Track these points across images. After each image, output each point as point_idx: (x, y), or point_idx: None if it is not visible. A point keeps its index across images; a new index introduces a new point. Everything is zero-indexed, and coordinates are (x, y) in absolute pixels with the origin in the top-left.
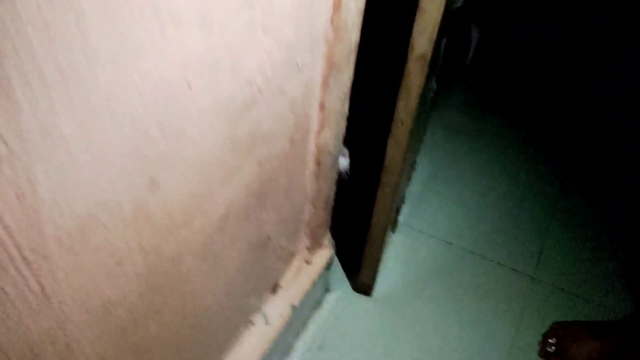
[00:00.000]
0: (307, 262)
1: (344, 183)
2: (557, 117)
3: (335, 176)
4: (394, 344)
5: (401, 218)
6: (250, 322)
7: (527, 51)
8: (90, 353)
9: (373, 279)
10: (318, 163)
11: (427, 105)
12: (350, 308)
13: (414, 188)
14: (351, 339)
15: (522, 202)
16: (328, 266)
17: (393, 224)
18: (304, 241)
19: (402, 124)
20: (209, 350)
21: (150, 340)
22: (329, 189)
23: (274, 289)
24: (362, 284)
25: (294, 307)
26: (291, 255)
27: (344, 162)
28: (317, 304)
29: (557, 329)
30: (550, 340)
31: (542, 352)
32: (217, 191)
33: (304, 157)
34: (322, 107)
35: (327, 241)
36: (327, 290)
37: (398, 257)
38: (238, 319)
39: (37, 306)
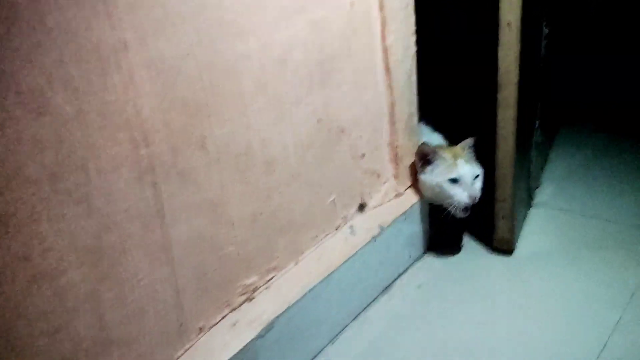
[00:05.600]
0: (398, 194)
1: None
2: None
3: (412, 98)
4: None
5: (537, 198)
6: (336, 228)
7: None
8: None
9: (512, 232)
10: (387, 69)
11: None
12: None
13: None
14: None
15: None
16: (422, 209)
17: (528, 200)
18: (389, 166)
19: (508, 25)
20: (297, 239)
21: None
22: (405, 108)
23: (361, 207)
24: (501, 240)
25: (381, 227)
26: (377, 175)
27: (472, 171)
28: (415, 248)
29: None
30: None
31: None
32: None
33: (371, 55)
34: (381, 7)
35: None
36: (430, 243)
37: (533, 230)
38: (322, 218)
39: None
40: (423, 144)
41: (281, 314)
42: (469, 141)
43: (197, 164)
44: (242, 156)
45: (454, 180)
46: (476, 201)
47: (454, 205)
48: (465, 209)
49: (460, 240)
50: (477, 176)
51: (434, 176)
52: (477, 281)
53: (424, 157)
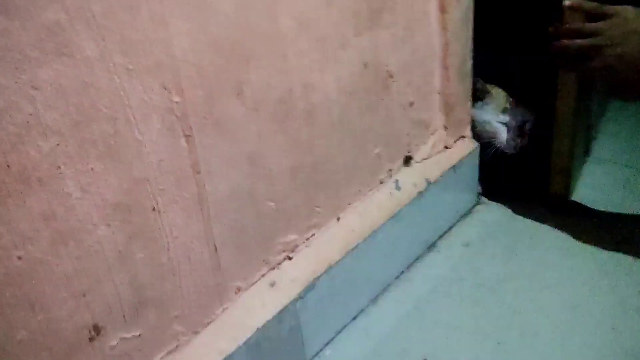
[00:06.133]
0: (447, 146)
1: None
2: None
3: (468, 39)
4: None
5: (595, 151)
6: (380, 182)
7: None
8: None
9: (567, 187)
10: (443, 7)
11: None
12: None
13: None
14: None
15: None
16: (472, 162)
17: (585, 152)
18: (439, 116)
19: None
20: (339, 194)
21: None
22: (460, 50)
23: (407, 161)
24: (556, 196)
25: (428, 182)
26: (425, 125)
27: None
28: (462, 203)
29: None
30: None
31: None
32: None
33: None
34: None
35: (470, 135)
36: (478, 198)
37: (589, 186)
38: (365, 172)
39: None
40: (478, 80)
41: (322, 274)
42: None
43: (233, 113)
44: (282, 104)
45: (502, 122)
46: (523, 144)
47: (500, 146)
48: (515, 147)
49: (510, 188)
50: (526, 121)
51: (483, 113)
52: (528, 240)
53: (475, 92)
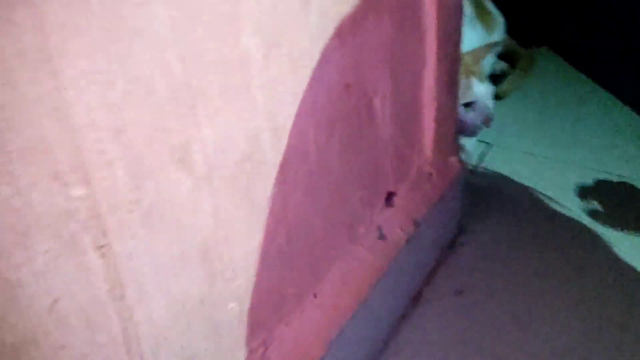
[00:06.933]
0: (434, 172)
1: None
2: None
3: (459, 44)
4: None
5: None
6: (361, 235)
7: None
8: None
9: None
10: (439, 6)
11: None
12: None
13: None
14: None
15: None
16: (457, 188)
17: None
18: (425, 137)
19: None
20: (316, 265)
21: None
22: (452, 56)
23: (389, 198)
24: None
25: (416, 223)
26: (410, 149)
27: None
28: (447, 236)
29: None
30: None
31: None
32: None
33: None
34: None
35: (454, 153)
36: (461, 228)
37: None
38: (345, 227)
39: None
40: None
41: None
42: (482, 50)
43: (175, 191)
44: (245, 162)
45: (468, 104)
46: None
47: (467, 134)
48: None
49: None
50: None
51: None
52: (524, 274)
53: None
